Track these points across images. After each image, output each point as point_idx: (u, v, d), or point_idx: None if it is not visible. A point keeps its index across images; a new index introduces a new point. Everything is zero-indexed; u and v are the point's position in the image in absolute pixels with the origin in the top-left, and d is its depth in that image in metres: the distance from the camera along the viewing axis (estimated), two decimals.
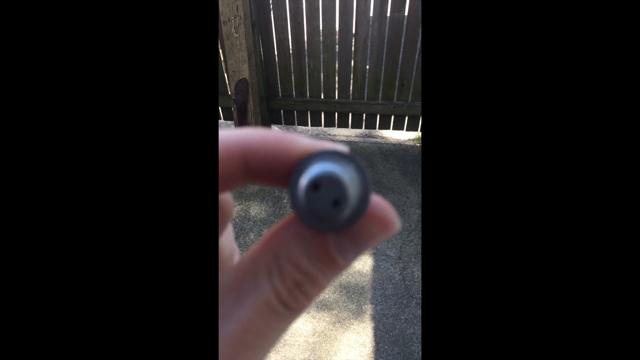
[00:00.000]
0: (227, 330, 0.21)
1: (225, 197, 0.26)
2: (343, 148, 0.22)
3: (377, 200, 0.23)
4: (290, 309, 0.22)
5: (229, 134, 0.23)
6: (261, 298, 0.22)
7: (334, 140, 3.19)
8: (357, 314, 1.97)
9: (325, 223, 0.21)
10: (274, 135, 0.23)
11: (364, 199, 0.21)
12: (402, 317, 1.95)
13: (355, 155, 0.22)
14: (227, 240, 0.28)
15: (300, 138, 0.23)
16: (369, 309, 1.99)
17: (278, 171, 0.23)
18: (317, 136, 3.37)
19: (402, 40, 2.78)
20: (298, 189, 0.21)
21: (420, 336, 1.87)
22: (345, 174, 0.21)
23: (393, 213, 0.23)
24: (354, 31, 2.79)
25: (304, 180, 0.20)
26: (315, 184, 0.20)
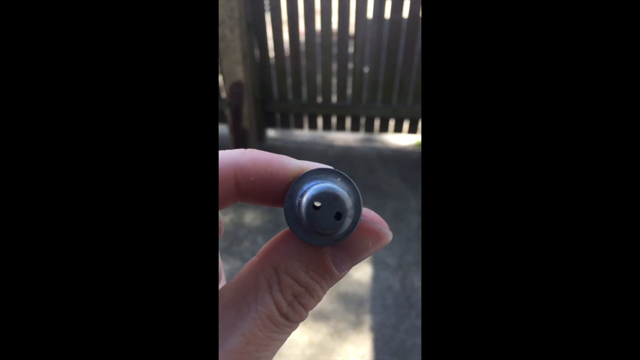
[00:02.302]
0: (231, 342, 0.22)
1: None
2: (328, 166, 0.24)
3: (370, 214, 0.25)
4: (290, 320, 0.24)
5: (221, 155, 0.24)
6: (262, 311, 0.23)
7: (332, 145, 3.15)
8: (356, 324, 1.94)
9: (324, 238, 0.23)
10: (265, 157, 0.25)
11: (357, 209, 0.23)
12: (402, 328, 1.91)
13: (340, 170, 0.24)
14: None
15: (289, 160, 0.25)
16: (367, 319, 1.96)
17: (269, 192, 0.24)
18: (314, 140, 3.32)
19: (402, 42, 2.75)
20: (297, 209, 0.23)
21: (420, 347, 1.82)
22: (340, 187, 0.22)
23: (385, 225, 0.25)
24: (352, 33, 2.74)
25: (304, 201, 0.22)
26: (317, 203, 0.22)
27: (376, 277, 2.15)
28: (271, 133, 3.38)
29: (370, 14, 2.68)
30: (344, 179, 0.23)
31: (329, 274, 0.24)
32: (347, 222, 0.22)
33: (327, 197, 0.22)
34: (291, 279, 0.24)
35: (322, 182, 0.23)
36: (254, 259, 0.25)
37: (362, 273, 2.17)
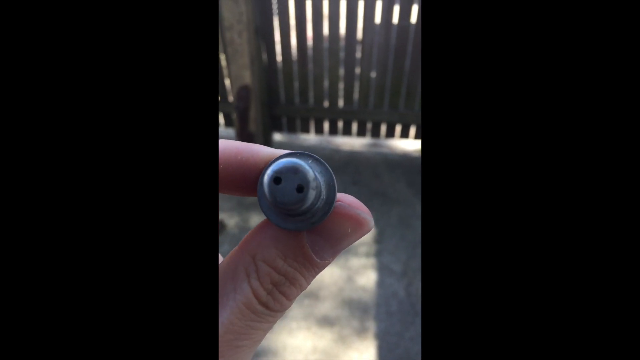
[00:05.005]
0: None
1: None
2: (299, 150, 0.24)
3: (347, 198, 0.24)
4: (270, 309, 0.24)
5: None
6: (240, 300, 0.23)
7: (338, 150, 3.14)
8: (360, 331, 1.92)
9: (298, 222, 0.23)
10: (234, 145, 0.24)
11: (331, 190, 0.23)
12: (407, 335, 1.89)
13: (311, 153, 0.23)
14: None
15: (259, 147, 0.25)
16: (372, 326, 1.94)
17: (240, 180, 0.24)
18: (320, 144, 3.31)
19: (410, 48, 2.74)
20: (263, 189, 0.22)
21: None
22: (303, 163, 0.22)
23: (366, 211, 0.24)
24: (359, 38, 2.74)
25: (265, 177, 0.22)
26: (277, 176, 0.21)
27: (381, 284, 2.13)
28: (277, 137, 3.38)
29: (378, 19, 2.67)
30: (316, 160, 0.23)
31: (309, 262, 0.24)
32: (311, 195, 0.21)
33: (287, 170, 0.21)
34: (269, 266, 0.23)
35: (286, 159, 0.22)
36: (235, 248, 0.25)
37: (366, 279, 2.15)
